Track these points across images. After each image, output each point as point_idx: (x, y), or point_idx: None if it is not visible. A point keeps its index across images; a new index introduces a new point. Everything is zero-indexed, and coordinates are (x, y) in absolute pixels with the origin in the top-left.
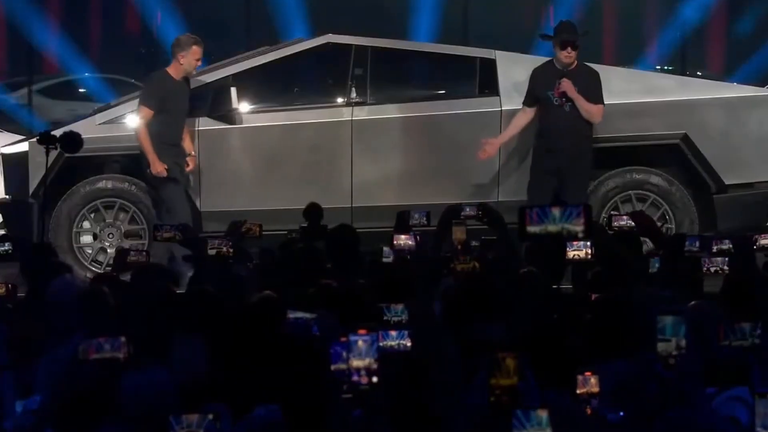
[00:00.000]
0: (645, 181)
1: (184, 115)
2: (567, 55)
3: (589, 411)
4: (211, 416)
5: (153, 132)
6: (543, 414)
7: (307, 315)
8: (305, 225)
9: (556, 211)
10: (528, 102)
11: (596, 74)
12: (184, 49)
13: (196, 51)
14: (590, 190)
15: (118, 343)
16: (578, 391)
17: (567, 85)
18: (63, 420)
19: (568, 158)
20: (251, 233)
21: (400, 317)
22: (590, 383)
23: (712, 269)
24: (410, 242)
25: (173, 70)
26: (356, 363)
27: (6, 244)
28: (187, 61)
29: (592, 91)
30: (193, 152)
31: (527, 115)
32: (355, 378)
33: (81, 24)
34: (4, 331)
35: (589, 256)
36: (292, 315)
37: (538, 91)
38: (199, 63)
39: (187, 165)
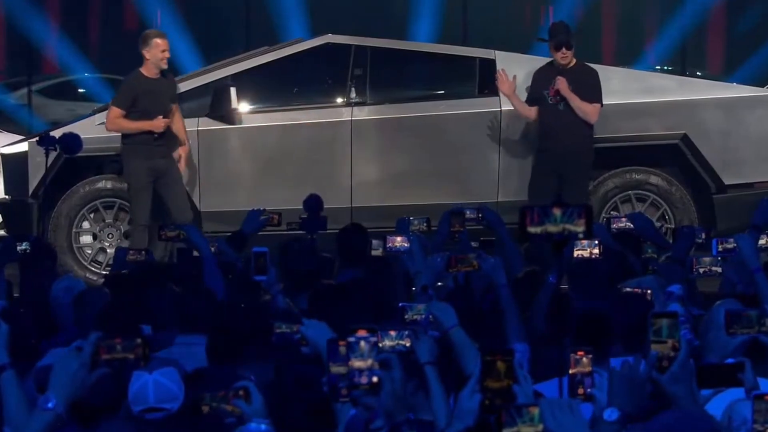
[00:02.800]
0: (645, 181)
1: (165, 112)
2: (563, 56)
3: (581, 391)
4: (241, 392)
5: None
6: (534, 410)
7: (294, 327)
8: (305, 216)
9: (557, 212)
10: (528, 102)
11: (594, 73)
12: (147, 44)
13: (158, 44)
14: (590, 190)
15: (130, 344)
16: (570, 371)
17: (561, 84)
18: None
19: (563, 158)
20: (271, 222)
21: (421, 316)
22: (582, 363)
23: (701, 270)
24: (405, 244)
25: (145, 69)
26: (358, 364)
27: (24, 243)
28: (152, 55)
29: (589, 89)
30: (185, 144)
31: (531, 112)
32: (355, 379)
33: (81, 24)
34: (4, 330)
35: (593, 256)
36: (278, 329)
37: (536, 92)
38: (166, 54)
39: (174, 161)
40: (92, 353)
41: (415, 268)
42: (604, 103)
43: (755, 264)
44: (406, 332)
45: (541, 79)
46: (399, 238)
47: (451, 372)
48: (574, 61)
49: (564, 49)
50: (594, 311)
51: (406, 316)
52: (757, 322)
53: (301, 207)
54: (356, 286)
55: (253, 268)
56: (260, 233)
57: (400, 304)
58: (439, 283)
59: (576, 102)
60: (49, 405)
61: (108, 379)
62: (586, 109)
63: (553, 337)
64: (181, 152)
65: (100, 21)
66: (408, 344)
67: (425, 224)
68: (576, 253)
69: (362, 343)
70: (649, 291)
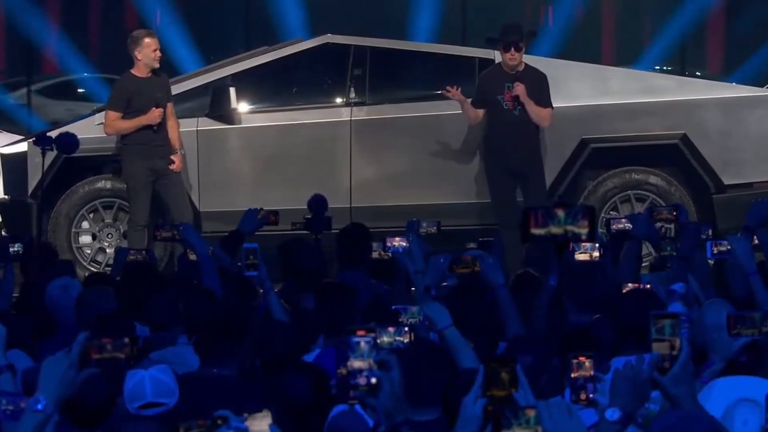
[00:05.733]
0: (644, 181)
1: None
2: (511, 57)
3: (583, 396)
4: (219, 421)
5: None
6: (531, 413)
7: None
8: (309, 216)
9: (560, 213)
10: (476, 104)
11: (544, 77)
12: (137, 45)
13: (149, 43)
14: (589, 191)
15: (120, 343)
16: (572, 375)
17: (520, 89)
18: (71, 419)
19: (521, 161)
20: (268, 221)
21: (416, 318)
22: (584, 367)
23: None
24: (404, 243)
25: (136, 69)
26: (357, 364)
27: (16, 245)
28: (144, 55)
29: (540, 94)
30: (179, 150)
31: (478, 114)
32: (355, 380)
33: (81, 24)
34: (2, 332)
35: (596, 259)
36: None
37: (486, 95)
38: (158, 54)
39: (172, 163)
40: (81, 353)
41: (415, 268)
42: (603, 102)
43: (751, 267)
44: (405, 328)
45: (492, 84)
46: (398, 238)
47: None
48: (523, 63)
49: (513, 50)
50: (582, 325)
51: (401, 319)
52: (760, 323)
53: (300, 207)
54: (361, 285)
55: (243, 264)
56: (260, 233)
57: (393, 307)
58: (444, 283)
59: (532, 107)
60: (39, 406)
61: (98, 378)
62: (541, 114)
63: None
64: (174, 159)
65: (100, 21)
66: (405, 340)
67: (435, 227)
68: (577, 257)
69: (362, 343)
70: (648, 286)
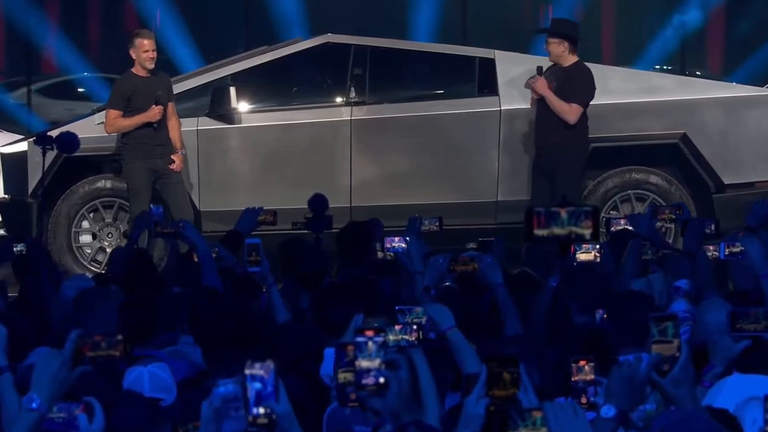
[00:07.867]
0: (644, 181)
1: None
2: (547, 49)
3: (584, 400)
4: None
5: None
6: (537, 414)
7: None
8: (310, 216)
9: (563, 214)
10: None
11: (584, 72)
12: (132, 45)
13: (142, 43)
14: (589, 190)
15: (113, 341)
16: (573, 379)
17: (537, 82)
18: None
19: (549, 157)
20: (266, 221)
21: (420, 319)
22: (585, 371)
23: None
24: (403, 244)
25: (136, 68)
26: (365, 364)
27: (20, 245)
28: (137, 55)
29: (570, 88)
30: (181, 149)
31: (564, 105)
32: (362, 380)
33: (80, 24)
34: (3, 333)
35: (597, 259)
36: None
37: None
38: (151, 54)
39: (173, 162)
40: (73, 351)
41: (414, 269)
42: (603, 102)
43: (764, 269)
44: (413, 327)
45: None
46: (397, 238)
47: (448, 371)
48: (574, 59)
49: (547, 37)
50: (595, 329)
51: (406, 320)
52: (763, 318)
53: (299, 206)
54: (361, 285)
55: (246, 260)
56: (261, 233)
57: (397, 307)
58: (446, 284)
59: (552, 100)
60: (33, 405)
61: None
62: (560, 108)
63: (553, 345)
64: (175, 158)
65: (100, 21)
66: (413, 338)
67: (436, 224)
68: (579, 257)
69: (370, 343)
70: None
